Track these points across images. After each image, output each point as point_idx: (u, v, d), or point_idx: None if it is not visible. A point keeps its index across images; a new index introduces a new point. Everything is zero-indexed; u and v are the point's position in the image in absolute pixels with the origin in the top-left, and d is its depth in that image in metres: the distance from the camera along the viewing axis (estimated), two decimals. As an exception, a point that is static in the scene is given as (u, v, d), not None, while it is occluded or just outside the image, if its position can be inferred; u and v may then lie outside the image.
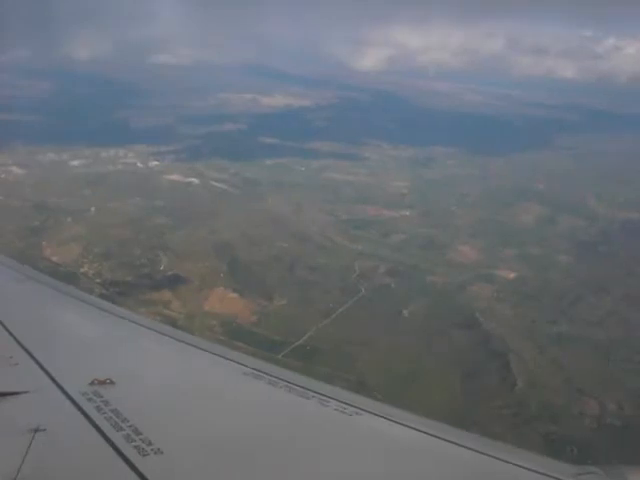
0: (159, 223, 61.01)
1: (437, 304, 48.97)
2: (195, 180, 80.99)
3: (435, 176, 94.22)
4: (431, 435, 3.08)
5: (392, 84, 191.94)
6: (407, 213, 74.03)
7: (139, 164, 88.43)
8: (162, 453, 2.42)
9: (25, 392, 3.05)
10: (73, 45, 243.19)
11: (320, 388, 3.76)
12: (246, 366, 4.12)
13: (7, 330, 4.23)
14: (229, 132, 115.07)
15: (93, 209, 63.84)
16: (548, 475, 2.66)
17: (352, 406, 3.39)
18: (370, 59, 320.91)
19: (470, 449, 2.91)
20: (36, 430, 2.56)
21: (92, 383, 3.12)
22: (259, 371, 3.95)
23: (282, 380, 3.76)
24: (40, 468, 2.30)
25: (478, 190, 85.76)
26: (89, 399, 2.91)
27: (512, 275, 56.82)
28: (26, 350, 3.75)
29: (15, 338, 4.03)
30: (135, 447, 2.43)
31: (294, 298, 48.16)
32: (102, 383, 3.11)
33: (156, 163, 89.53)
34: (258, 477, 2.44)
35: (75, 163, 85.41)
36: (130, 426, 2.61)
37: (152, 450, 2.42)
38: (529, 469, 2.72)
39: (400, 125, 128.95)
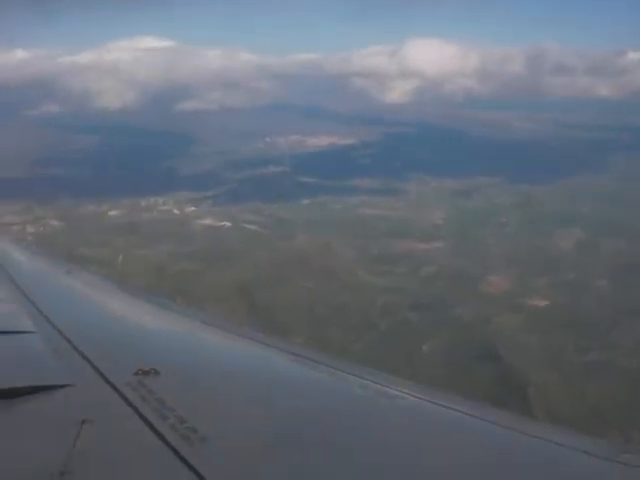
0: (183, 268, 61.37)
1: (459, 338, 47.33)
2: (228, 223, 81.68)
3: (475, 207, 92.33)
4: (466, 414, 2.99)
5: (428, 115, 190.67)
6: (440, 245, 72.47)
7: (175, 211, 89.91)
8: (207, 441, 2.35)
9: (71, 385, 3.04)
10: (102, 96, 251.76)
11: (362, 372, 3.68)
12: (291, 352, 4.04)
13: (51, 324, 4.24)
14: (270, 174, 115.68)
15: (121, 257, 64.76)
16: (588, 453, 2.52)
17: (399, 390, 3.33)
18: (397, 92, 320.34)
19: (508, 428, 2.84)
20: (83, 422, 2.53)
21: (137, 373, 3.06)
22: (306, 358, 3.88)
23: (329, 367, 3.69)
24: (88, 459, 2.28)
25: (517, 218, 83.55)
26: (134, 389, 2.89)
27: (543, 303, 54.61)
28: (71, 343, 3.76)
29: (60, 331, 4.03)
30: (180, 435, 2.38)
31: (311, 338, 47.23)
32: (146, 373, 3.07)
33: (193, 209, 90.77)
34: (301, 466, 2.35)
35: (113, 213, 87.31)
36: (175, 415, 2.57)
37: (197, 438, 2.36)
38: (569, 447, 2.59)
39: (443, 157, 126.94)
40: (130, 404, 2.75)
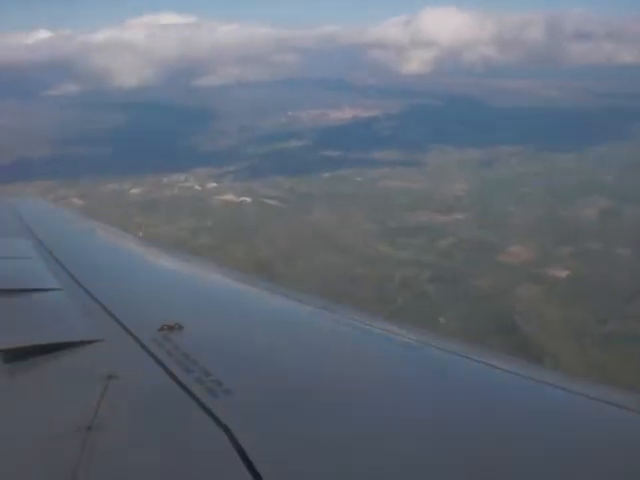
0: (201, 243, 61.66)
1: (477, 309, 46.91)
2: (247, 199, 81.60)
3: (497, 176, 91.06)
4: (493, 366, 2.99)
5: (449, 85, 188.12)
6: (460, 217, 71.67)
7: (197, 187, 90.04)
8: (231, 393, 2.45)
9: (97, 340, 3.16)
10: (121, 73, 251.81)
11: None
12: (313, 305, 4.13)
13: (77, 281, 4.35)
14: (292, 149, 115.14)
15: (141, 234, 64.98)
16: (614, 404, 2.54)
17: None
18: (416, 62, 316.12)
19: (533, 379, 2.84)
20: (110, 377, 2.64)
21: (162, 329, 3.19)
22: (329, 310, 3.97)
23: (352, 319, 3.79)
24: (115, 414, 2.39)
25: (541, 188, 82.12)
26: (159, 344, 3.00)
27: (564, 274, 53.86)
28: (96, 299, 3.87)
29: (85, 288, 4.15)
30: (205, 388, 2.48)
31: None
32: (171, 328, 3.18)
33: (214, 185, 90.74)
34: (324, 416, 2.45)
35: (135, 191, 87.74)
36: (200, 368, 2.68)
37: (222, 391, 2.46)
38: (597, 399, 2.59)
39: (465, 127, 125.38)
40: (156, 359, 2.83)
